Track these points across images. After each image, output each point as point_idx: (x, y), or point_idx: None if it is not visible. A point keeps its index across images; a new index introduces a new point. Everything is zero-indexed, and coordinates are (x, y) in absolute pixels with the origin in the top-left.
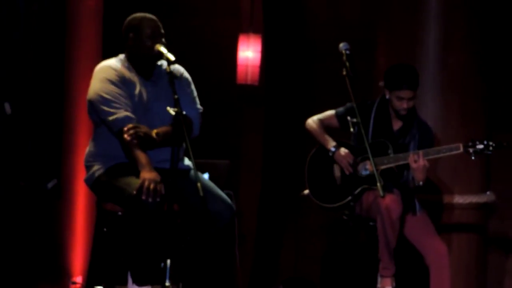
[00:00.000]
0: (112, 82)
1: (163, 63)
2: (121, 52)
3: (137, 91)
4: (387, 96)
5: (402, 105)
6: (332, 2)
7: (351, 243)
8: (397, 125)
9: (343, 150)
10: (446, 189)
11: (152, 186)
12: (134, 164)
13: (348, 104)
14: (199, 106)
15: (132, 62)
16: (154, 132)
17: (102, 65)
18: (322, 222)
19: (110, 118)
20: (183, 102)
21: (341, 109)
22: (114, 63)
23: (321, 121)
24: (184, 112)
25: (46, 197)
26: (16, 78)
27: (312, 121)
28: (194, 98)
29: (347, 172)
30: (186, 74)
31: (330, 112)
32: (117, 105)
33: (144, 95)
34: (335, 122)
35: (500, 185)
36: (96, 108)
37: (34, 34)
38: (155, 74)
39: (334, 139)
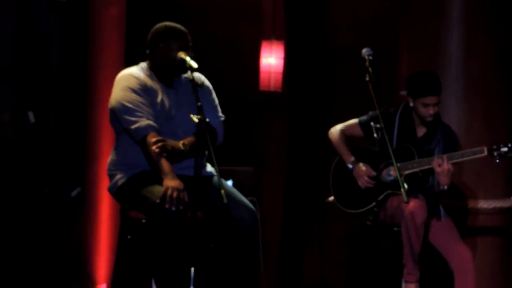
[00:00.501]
0: (133, 91)
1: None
2: (144, 60)
3: (159, 99)
4: (411, 104)
5: (429, 111)
6: (354, 8)
7: (375, 249)
8: (421, 132)
9: (361, 166)
10: (471, 194)
11: (175, 194)
12: (157, 172)
13: (371, 113)
14: (221, 114)
15: (154, 70)
16: (181, 143)
17: (124, 74)
18: (346, 228)
19: (133, 126)
20: (206, 110)
21: (364, 117)
22: (136, 72)
23: (343, 132)
24: (207, 120)
25: (70, 205)
26: (39, 87)
27: (334, 131)
28: (216, 106)
29: (363, 187)
30: (207, 83)
31: (353, 121)
32: (139, 114)
33: (167, 103)
34: (358, 131)
35: None
36: (118, 116)
37: (57, 42)
38: (176, 82)
39: (355, 149)
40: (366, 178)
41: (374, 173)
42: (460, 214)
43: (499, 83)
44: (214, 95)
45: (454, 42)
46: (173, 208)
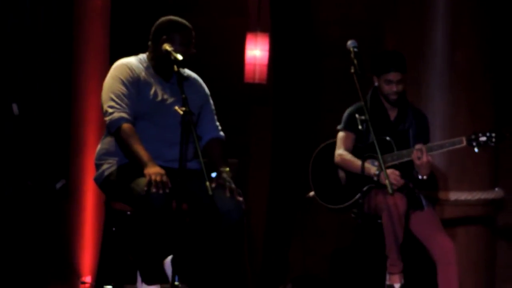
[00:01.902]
0: (122, 81)
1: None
2: (130, 50)
3: (152, 91)
4: (376, 83)
5: (392, 89)
6: (340, 0)
7: (359, 240)
8: (393, 115)
9: (390, 172)
10: (455, 185)
11: (158, 178)
12: (135, 162)
13: (345, 114)
14: (217, 123)
15: (153, 62)
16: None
17: (120, 63)
18: (330, 220)
19: (107, 118)
20: (207, 121)
21: (342, 124)
22: (133, 62)
23: (344, 150)
24: (220, 134)
25: (55, 197)
26: (23, 78)
27: (339, 155)
28: (215, 119)
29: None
30: (207, 90)
31: (340, 134)
32: (117, 106)
33: (161, 96)
34: (350, 136)
35: (509, 181)
36: (101, 105)
37: (41, 34)
38: (174, 76)
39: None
40: (396, 177)
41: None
42: (444, 206)
43: (484, 74)
44: (212, 102)
45: (439, 34)
46: (160, 192)
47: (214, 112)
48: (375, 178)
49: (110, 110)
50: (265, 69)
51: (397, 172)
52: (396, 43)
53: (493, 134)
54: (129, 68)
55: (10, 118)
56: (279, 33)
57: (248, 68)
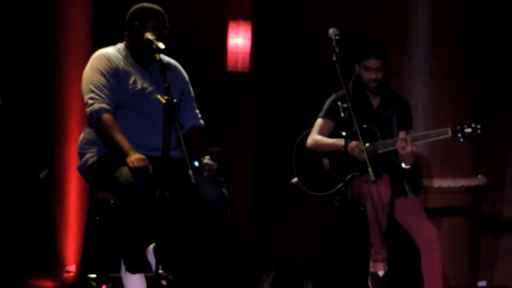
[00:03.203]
0: (100, 72)
1: (161, 56)
2: (113, 40)
3: (131, 80)
4: (357, 70)
5: (371, 76)
6: None
7: (342, 228)
8: (375, 102)
9: (354, 143)
10: (438, 173)
11: (141, 164)
12: (117, 152)
13: (331, 98)
14: (197, 110)
15: (131, 51)
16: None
17: (98, 54)
18: (314, 208)
19: (87, 109)
20: (187, 108)
21: (322, 112)
22: (111, 52)
23: (319, 134)
24: (200, 122)
25: (38, 187)
26: (5, 68)
27: (311, 139)
28: (195, 107)
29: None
30: (187, 77)
31: (318, 121)
32: (97, 97)
33: (141, 84)
34: (329, 124)
35: (492, 168)
36: (82, 96)
37: (23, 23)
38: (154, 64)
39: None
40: (359, 152)
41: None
42: (427, 193)
43: (466, 63)
44: (191, 90)
45: (421, 23)
46: (147, 173)
47: (194, 99)
48: (343, 149)
49: (90, 102)
50: (247, 57)
51: (360, 147)
52: (378, 31)
53: (478, 126)
54: (108, 59)
55: None
56: (261, 21)
57: (230, 56)
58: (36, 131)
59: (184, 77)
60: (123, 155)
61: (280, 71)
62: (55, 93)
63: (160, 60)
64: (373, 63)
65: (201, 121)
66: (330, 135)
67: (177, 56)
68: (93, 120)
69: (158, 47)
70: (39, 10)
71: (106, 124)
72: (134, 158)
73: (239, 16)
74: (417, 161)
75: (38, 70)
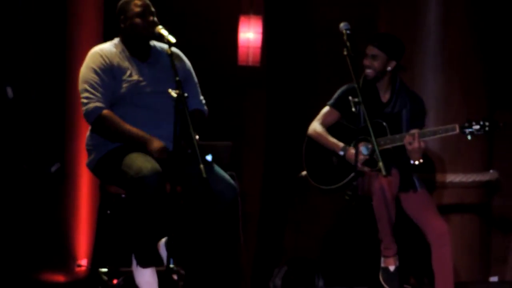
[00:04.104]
0: (95, 71)
1: (157, 44)
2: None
3: (127, 74)
4: None
5: (366, 62)
6: None
7: (353, 222)
8: (385, 97)
9: (352, 150)
10: (449, 167)
11: (164, 156)
12: (131, 144)
13: (338, 92)
14: (202, 97)
15: (126, 44)
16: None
17: (93, 51)
18: (325, 202)
19: (83, 108)
20: (191, 94)
21: (331, 100)
22: (107, 48)
23: (321, 124)
24: (204, 108)
25: (50, 181)
26: (17, 61)
27: (313, 128)
28: (197, 87)
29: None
30: (188, 63)
31: (325, 109)
32: (92, 96)
33: (138, 77)
34: (335, 114)
35: (503, 163)
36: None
37: (35, 17)
38: (151, 55)
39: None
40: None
41: (366, 157)
42: (439, 188)
43: (477, 57)
44: (194, 75)
45: (432, 17)
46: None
47: (198, 85)
48: (341, 153)
49: (85, 101)
50: (258, 51)
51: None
52: (389, 24)
53: (487, 123)
54: (101, 55)
55: (5, 101)
56: (272, 15)
57: (241, 50)
58: (47, 125)
59: (185, 63)
60: (141, 143)
61: (291, 65)
62: (66, 87)
63: (171, 54)
64: (369, 49)
65: (205, 107)
66: (333, 126)
67: (187, 50)
68: (91, 120)
69: (169, 42)
70: (50, 3)
71: (108, 120)
72: (156, 149)
73: (250, 10)
74: (427, 156)
75: (50, 63)
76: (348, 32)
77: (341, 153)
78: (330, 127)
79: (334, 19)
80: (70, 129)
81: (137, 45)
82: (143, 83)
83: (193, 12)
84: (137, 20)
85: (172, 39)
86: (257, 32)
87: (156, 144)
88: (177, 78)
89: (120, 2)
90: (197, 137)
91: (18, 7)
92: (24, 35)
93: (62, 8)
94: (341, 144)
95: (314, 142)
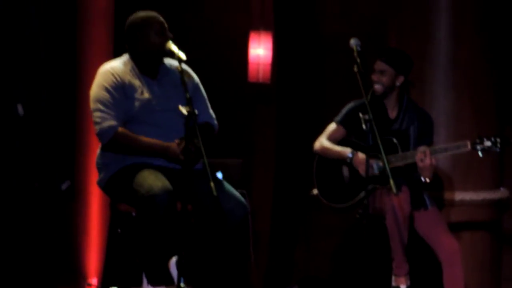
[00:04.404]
0: (107, 89)
1: (165, 60)
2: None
3: (138, 92)
4: None
5: (374, 78)
6: None
7: (364, 241)
8: (393, 114)
9: (360, 154)
10: (459, 185)
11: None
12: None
13: (345, 108)
14: (212, 111)
15: (136, 62)
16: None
17: (103, 69)
18: (335, 220)
19: (96, 127)
20: (200, 108)
21: (338, 117)
22: (117, 66)
23: (327, 139)
24: (214, 122)
25: (60, 199)
26: (28, 79)
27: (319, 142)
28: (207, 102)
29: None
30: (196, 77)
31: (332, 125)
32: (105, 115)
33: (149, 95)
34: (341, 131)
35: None
36: (91, 114)
37: (45, 34)
38: (160, 72)
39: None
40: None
41: (375, 173)
42: (449, 206)
43: (487, 73)
44: (203, 90)
45: (442, 32)
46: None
47: (207, 100)
48: (348, 160)
49: (98, 120)
50: (268, 68)
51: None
52: (399, 40)
53: (498, 139)
54: (113, 74)
55: (16, 119)
56: (282, 31)
57: (251, 67)
58: (58, 142)
59: (193, 79)
60: (163, 154)
61: (301, 81)
62: (77, 104)
63: (182, 70)
64: (377, 64)
65: (215, 122)
66: (342, 143)
67: (197, 66)
68: (105, 140)
69: (180, 58)
70: (61, 21)
71: (124, 137)
72: (178, 151)
73: (260, 26)
74: (437, 173)
75: (60, 81)
76: (358, 48)
77: (350, 155)
78: (340, 144)
79: (344, 35)
80: (81, 147)
81: (150, 63)
82: (154, 101)
83: (203, 28)
84: (155, 38)
85: (183, 56)
86: (267, 48)
87: (175, 147)
88: (188, 95)
89: (134, 18)
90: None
91: (29, 23)
92: (34, 52)
93: (72, 24)
94: (348, 149)
95: (325, 159)
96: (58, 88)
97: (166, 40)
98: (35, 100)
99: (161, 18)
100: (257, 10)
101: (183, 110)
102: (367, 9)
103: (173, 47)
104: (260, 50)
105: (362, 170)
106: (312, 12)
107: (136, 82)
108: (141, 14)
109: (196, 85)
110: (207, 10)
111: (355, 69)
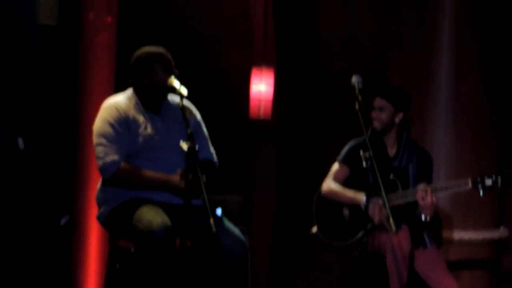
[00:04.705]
0: (111, 124)
1: (169, 96)
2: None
3: (142, 129)
4: None
5: (373, 114)
6: (345, 34)
7: (364, 280)
8: (392, 151)
9: (377, 206)
10: (459, 224)
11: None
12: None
13: (350, 143)
14: (212, 148)
15: (140, 97)
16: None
17: (108, 103)
18: (335, 258)
19: (99, 162)
20: (201, 145)
21: (340, 156)
22: (121, 100)
23: (334, 181)
24: (214, 160)
25: (59, 233)
26: (29, 112)
27: (327, 186)
28: (207, 139)
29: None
30: (198, 114)
31: (335, 166)
32: (108, 150)
33: (152, 131)
34: (345, 170)
35: None
36: (94, 148)
37: (47, 67)
38: (163, 108)
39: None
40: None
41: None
42: (448, 245)
43: (488, 110)
44: (204, 127)
45: (444, 68)
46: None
47: (208, 139)
48: (363, 208)
49: (101, 155)
50: (270, 104)
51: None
52: (401, 76)
53: (499, 178)
54: (117, 108)
55: (16, 152)
56: (284, 67)
57: (253, 103)
58: (58, 177)
59: (195, 116)
60: (166, 186)
61: (302, 118)
62: (77, 139)
63: (183, 106)
64: (376, 101)
65: (215, 159)
66: (346, 182)
67: (198, 101)
68: (107, 175)
69: (181, 94)
70: (63, 55)
71: (127, 172)
72: (179, 182)
73: (262, 62)
74: (436, 212)
75: (61, 114)
76: (360, 85)
77: (364, 202)
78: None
79: (345, 72)
80: (80, 181)
81: (154, 99)
82: (157, 137)
83: (205, 63)
84: (162, 75)
85: (184, 92)
86: (269, 84)
87: (176, 178)
88: (189, 131)
89: (140, 54)
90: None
91: (32, 57)
92: (35, 86)
93: (75, 58)
94: (362, 196)
95: (325, 199)
96: (59, 121)
97: (173, 75)
98: (36, 133)
99: (169, 55)
100: (260, 46)
101: (184, 146)
102: (368, 47)
103: (175, 83)
104: (261, 86)
105: (377, 220)
106: (313, 49)
107: (140, 118)
108: (149, 49)
109: (198, 122)
110: (210, 46)
111: (357, 106)
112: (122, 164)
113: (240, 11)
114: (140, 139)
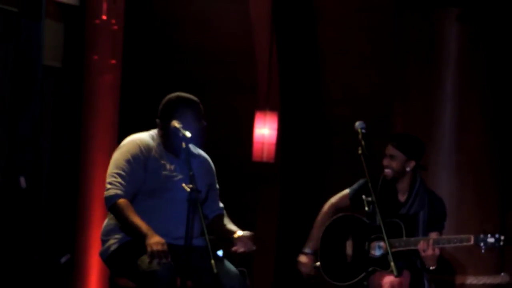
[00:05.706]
0: (128, 160)
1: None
2: (139, 129)
3: (162, 169)
4: None
5: (384, 162)
6: (349, 79)
7: None
8: (403, 197)
9: (303, 258)
10: (460, 269)
11: (159, 248)
12: (135, 235)
13: (361, 180)
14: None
15: (164, 139)
16: None
17: (132, 139)
18: None
19: (105, 192)
20: (213, 199)
21: (354, 187)
22: (145, 138)
23: (333, 206)
24: (222, 211)
25: (60, 272)
26: (31, 151)
27: (325, 207)
28: (218, 195)
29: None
30: (214, 169)
31: (345, 192)
32: (116, 183)
33: (171, 172)
34: (347, 202)
35: None
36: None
37: (51, 108)
38: (183, 152)
39: (344, 216)
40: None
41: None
42: None
43: (491, 157)
44: (217, 184)
45: (447, 116)
46: (163, 261)
47: (218, 192)
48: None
49: (108, 186)
50: (273, 148)
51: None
52: (404, 123)
53: (502, 237)
54: (140, 145)
55: (17, 191)
56: (288, 111)
57: (256, 146)
58: (59, 215)
59: (212, 170)
60: (142, 236)
61: (305, 162)
62: (79, 178)
63: (187, 147)
64: (388, 149)
65: (223, 210)
66: (350, 219)
67: (203, 144)
68: (108, 206)
69: (184, 135)
70: (67, 96)
71: (120, 208)
72: (153, 241)
73: (266, 106)
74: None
75: (64, 154)
76: (363, 131)
77: (305, 251)
78: (346, 220)
79: (349, 116)
80: (81, 220)
81: (176, 144)
82: (175, 179)
83: (209, 106)
84: (191, 122)
85: (188, 134)
86: (273, 128)
87: (155, 238)
88: (191, 173)
89: (174, 98)
90: (239, 231)
91: (35, 96)
92: (39, 125)
93: (79, 99)
94: (310, 245)
95: (330, 235)
96: (62, 161)
97: (202, 127)
98: (38, 172)
99: (200, 105)
100: (263, 90)
101: (186, 187)
102: (372, 92)
103: (177, 124)
104: (265, 130)
105: (302, 272)
106: (317, 94)
107: (161, 158)
108: (183, 95)
109: (214, 176)
110: (215, 89)
111: (360, 151)
112: (121, 200)
113: (245, 56)
114: (159, 178)
